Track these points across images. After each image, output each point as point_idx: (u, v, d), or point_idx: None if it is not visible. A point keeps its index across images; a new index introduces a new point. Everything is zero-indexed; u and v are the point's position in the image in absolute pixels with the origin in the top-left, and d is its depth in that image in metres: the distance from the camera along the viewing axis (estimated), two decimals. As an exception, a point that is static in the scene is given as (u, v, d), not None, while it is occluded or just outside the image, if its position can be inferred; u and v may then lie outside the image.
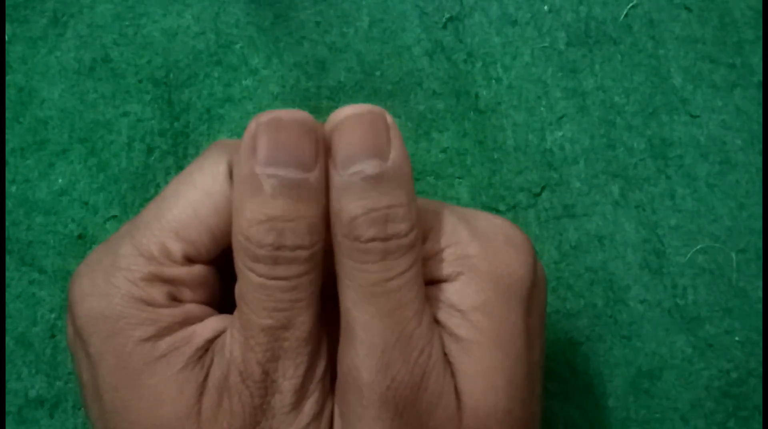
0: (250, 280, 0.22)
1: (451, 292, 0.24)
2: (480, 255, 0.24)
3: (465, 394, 0.23)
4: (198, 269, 0.24)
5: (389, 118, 0.23)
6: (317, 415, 0.23)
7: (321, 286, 0.23)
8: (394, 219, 0.22)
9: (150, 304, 0.23)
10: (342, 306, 0.23)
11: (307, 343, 0.23)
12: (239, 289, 0.23)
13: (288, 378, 0.22)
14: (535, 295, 0.25)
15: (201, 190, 0.24)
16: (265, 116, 0.23)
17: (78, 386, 0.27)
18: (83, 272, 0.24)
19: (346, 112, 0.23)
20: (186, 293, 0.24)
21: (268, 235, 0.22)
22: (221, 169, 0.24)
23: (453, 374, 0.23)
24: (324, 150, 0.23)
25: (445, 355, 0.23)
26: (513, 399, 0.23)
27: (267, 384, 0.22)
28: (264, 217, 0.22)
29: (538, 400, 0.25)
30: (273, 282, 0.22)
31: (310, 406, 0.23)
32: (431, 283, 0.24)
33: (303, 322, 0.22)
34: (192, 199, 0.24)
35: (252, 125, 0.23)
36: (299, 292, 0.22)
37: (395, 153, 0.23)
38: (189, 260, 0.24)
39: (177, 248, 0.23)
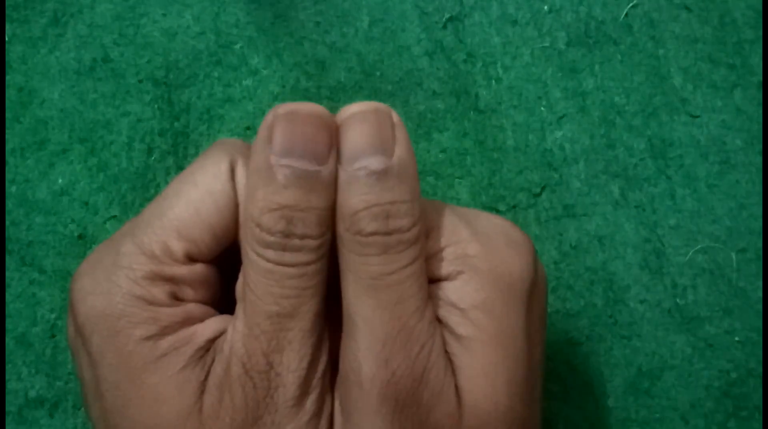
0: (258, 266, 0.22)
1: (451, 290, 0.24)
2: (480, 254, 0.24)
3: (465, 391, 0.23)
4: (199, 268, 0.24)
5: (395, 116, 0.24)
6: (318, 412, 0.23)
7: (325, 285, 0.24)
8: (397, 214, 0.22)
9: (151, 303, 0.23)
10: (344, 300, 0.23)
11: (311, 334, 0.23)
12: (245, 278, 0.23)
13: (292, 371, 0.22)
14: (535, 295, 0.25)
15: (202, 189, 0.24)
16: (283, 108, 0.23)
17: (79, 385, 0.27)
18: (84, 271, 0.24)
19: (352, 109, 0.23)
20: (187, 292, 0.24)
21: (279, 222, 0.22)
22: (223, 168, 0.24)
23: (454, 372, 0.23)
24: (336, 140, 0.23)
25: (446, 352, 0.23)
26: (513, 397, 0.23)
27: (271, 376, 0.22)
28: (276, 205, 0.22)
29: (538, 398, 0.25)
30: (281, 268, 0.22)
31: (311, 402, 0.23)
32: (431, 281, 0.24)
33: (308, 311, 0.23)
34: (193, 197, 0.24)
35: (269, 116, 0.23)
36: (306, 280, 0.22)
37: (400, 150, 0.23)
38: (190, 259, 0.24)
39: (178, 247, 0.23)
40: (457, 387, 0.23)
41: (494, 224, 0.25)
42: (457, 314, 0.23)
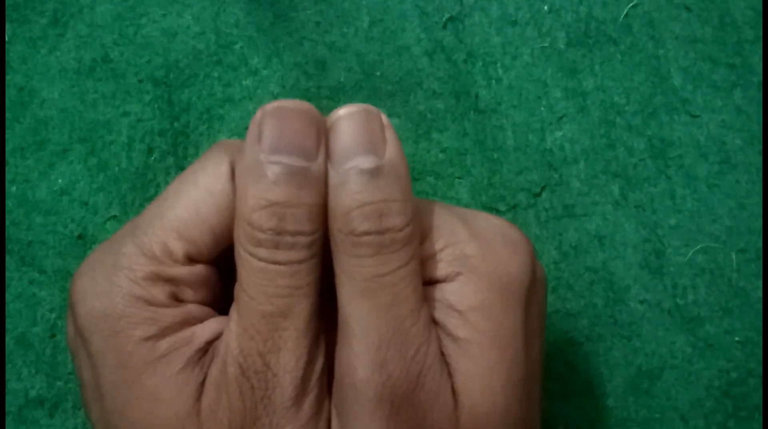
0: (251, 266, 0.22)
1: (449, 292, 0.24)
2: (478, 255, 0.24)
3: (462, 393, 0.23)
4: (199, 269, 0.24)
5: (385, 118, 0.24)
6: (317, 413, 0.23)
7: (319, 286, 0.24)
8: (389, 213, 0.22)
9: (151, 303, 0.23)
10: (339, 304, 0.23)
11: (306, 335, 0.23)
12: (238, 278, 0.23)
13: (289, 371, 0.22)
14: (534, 295, 0.25)
15: (203, 190, 0.24)
16: (271, 105, 0.23)
17: (78, 386, 0.27)
18: (85, 271, 0.24)
19: (342, 111, 0.24)
20: (187, 293, 0.24)
21: (270, 219, 0.22)
22: (223, 168, 0.24)
23: (450, 374, 0.23)
24: (326, 142, 0.23)
25: (443, 355, 0.23)
26: (511, 398, 0.23)
27: (268, 377, 0.22)
28: (266, 202, 0.22)
29: (537, 399, 0.25)
30: (274, 267, 0.22)
31: (310, 402, 0.23)
32: (429, 283, 0.24)
33: (302, 311, 0.23)
34: (194, 198, 0.24)
35: (258, 114, 0.23)
36: (299, 279, 0.22)
37: (391, 150, 0.23)
38: (191, 260, 0.24)
39: (179, 247, 0.23)
40: (453, 389, 0.23)
41: (492, 224, 0.25)
42: (455, 316, 0.23)
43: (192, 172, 0.24)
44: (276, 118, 0.23)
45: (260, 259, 0.22)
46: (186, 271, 0.24)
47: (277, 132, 0.23)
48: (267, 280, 0.22)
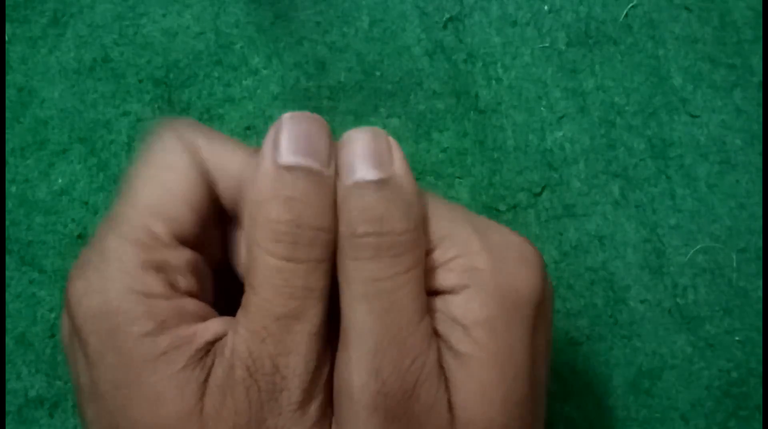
0: (267, 266, 0.22)
1: (454, 304, 0.23)
2: (488, 269, 0.24)
3: (459, 408, 0.23)
4: (187, 254, 0.24)
5: (392, 139, 0.25)
6: (321, 419, 0.23)
7: (328, 294, 0.24)
8: (391, 217, 0.23)
9: (146, 294, 0.23)
10: (341, 311, 0.23)
11: (316, 339, 0.23)
12: (250, 285, 0.23)
13: (297, 374, 0.22)
14: (542, 313, 0.25)
15: (162, 167, 0.24)
16: (289, 114, 0.24)
17: (74, 389, 0.27)
18: (76, 275, 0.24)
19: (350, 132, 0.24)
20: (179, 280, 0.24)
21: (291, 212, 0.23)
22: (176, 144, 0.24)
23: (448, 388, 0.23)
24: (336, 154, 0.24)
25: (442, 368, 0.23)
26: (510, 416, 0.23)
27: (276, 379, 0.22)
28: (286, 198, 0.23)
29: (540, 418, 0.25)
30: (291, 265, 0.22)
31: (315, 407, 0.23)
32: (435, 293, 0.24)
33: (314, 315, 0.23)
34: (160, 178, 0.24)
35: (276, 122, 0.24)
36: (314, 281, 0.23)
37: (397, 166, 0.24)
38: (177, 239, 0.24)
39: (162, 228, 0.23)
40: (450, 403, 0.23)
41: (507, 240, 0.25)
42: (458, 330, 0.23)
43: (143, 158, 0.25)
44: (294, 124, 0.24)
45: (278, 257, 0.22)
46: (174, 254, 0.24)
47: (294, 135, 0.23)
48: (282, 280, 0.22)
